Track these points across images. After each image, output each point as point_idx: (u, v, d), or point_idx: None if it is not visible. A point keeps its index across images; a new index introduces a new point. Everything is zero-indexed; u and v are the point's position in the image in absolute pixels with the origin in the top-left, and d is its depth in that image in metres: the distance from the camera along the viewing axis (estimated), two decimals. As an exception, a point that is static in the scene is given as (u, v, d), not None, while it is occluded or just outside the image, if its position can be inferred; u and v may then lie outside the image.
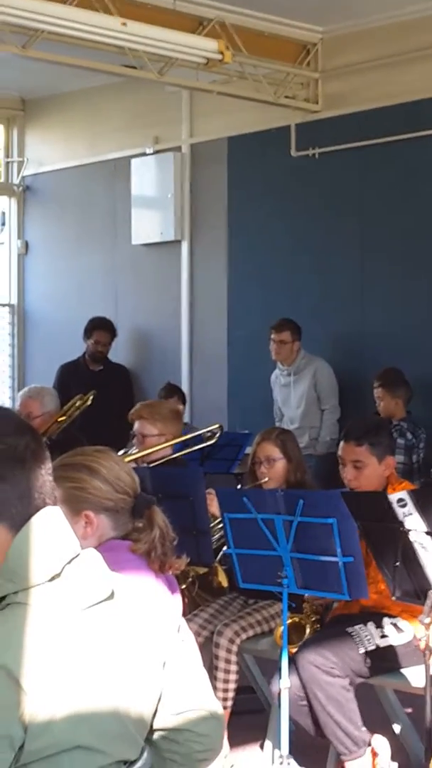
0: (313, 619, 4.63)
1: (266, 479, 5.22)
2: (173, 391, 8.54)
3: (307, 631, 4.54)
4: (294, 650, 4.34)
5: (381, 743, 4.42)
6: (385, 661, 4.44)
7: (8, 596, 2.01)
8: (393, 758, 4.38)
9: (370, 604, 4.51)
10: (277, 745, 4.33)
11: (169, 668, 2.23)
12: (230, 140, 9.17)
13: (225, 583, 5.02)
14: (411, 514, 3.92)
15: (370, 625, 4.45)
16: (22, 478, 2.05)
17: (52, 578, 2.02)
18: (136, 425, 5.50)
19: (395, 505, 3.92)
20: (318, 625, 4.62)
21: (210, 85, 8.35)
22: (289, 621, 4.37)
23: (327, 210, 8.54)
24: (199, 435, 5.78)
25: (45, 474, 2.08)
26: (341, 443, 4.81)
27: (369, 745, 4.37)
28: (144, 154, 9.67)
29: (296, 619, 4.54)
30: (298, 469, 5.31)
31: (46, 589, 2.01)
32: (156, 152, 9.61)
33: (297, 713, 4.35)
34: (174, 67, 7.69)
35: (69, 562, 2.05)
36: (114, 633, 2.10)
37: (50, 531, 2.05)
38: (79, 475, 3.24)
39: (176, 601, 3.41)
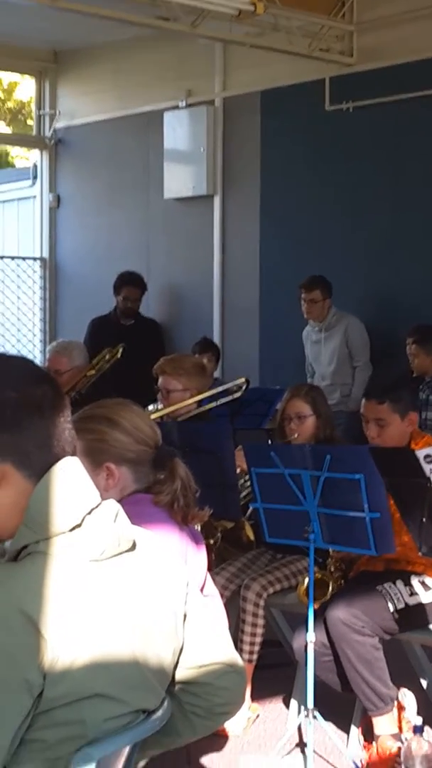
0: (337, 575, 4.63)
1: (296, 435, 5.20)
2: (208, 346, 8.53)
3: (330, 587, 4.54)
4: (317, 606, 4.33)
5: (407, 697, 4.43)
6: (413, 618, 4.43)
7: (30, 545, 2.02)
8: (419, 712, 4.39)
9: (395, 558, 4.49)
10: (302, 698, 4.34)
11: (190, 621, 2.24)
12: (263, 94, 9.10)
13: (252, 537, 5.02)
14: (438, 469, 3.89)
15: (399, 583, 4.44)
16: (41, 427, 2.05)
17: (73, 528, 2.02)
18: (160, 380, 5.46)
19: (422, 461, 3.89)
20: (341, 582, 4.62)
21: (243, 38, 8.27)
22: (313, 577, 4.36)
23: (361, 164, 8.47)
24: (227, 389, 5.75)
25: (64, 423, 2.09)
26: (363, 401, 4.77)
27: (395, 699, 4.38)
28: (177, 108, 9.62)
29: (319, 576, 4.54)
30: (327, 425, 5.29)
31: (67, 539, 2.02)
32: (189, 105, 9.56)
33: (321, 669, 4.36)
34: (207, 19, 7.61)
35: (89, 513, 2.05)
36: (134, 584, 2.11)
37: (71, 481, 2.06)
38: (100, 427, 3.24)
39: (201, 554, 3.42)
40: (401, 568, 4.53)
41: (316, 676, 4.27)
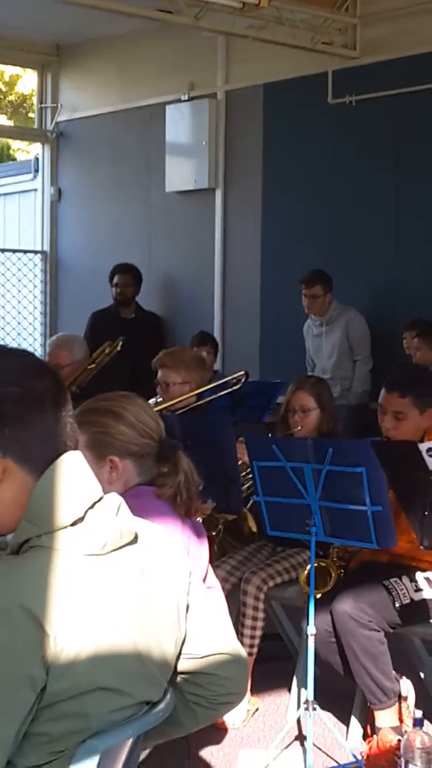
0: (339, 564, 4.63)
1: (299, 428, 5.19)
2: (206, 339, 8.54)
3: (332, 576, 4.54)
4: (319, 595, 4.34)
5: (408, 687, 4.44)
6: (416, 613, 4.44)
7: (32, 539, 2.02)
8: (418, 705, 4.40)
9: (400, 553, 4.50)
10: (303, 689, 4.35)
11: (193, 612, 2.24)
12: (266, 87, 9.09)
13: (254, 529, 5.02)
14: (441, 464, 3.89)
15: (405, 579, 4.44)
16: (43, 421, 2.04)
17: (75, 522, 2.02)
18: (159, 373, 5.48)
19: (425, 455, 3.90)
20: (342, 571, 4.62)
21: (246, 31, 8.26)
22: (315, 565, 4.37)
23: (363, 158, 8.46)
24: (226, 382, 5.76)
25: (66, 417, 2.08)
26: (383, 391, 4.70)
27: (398, 693, 4.39)
28: (179, 101, 9.61)
29: (322, 564, 4.55)
30: (331, 419, 5.28)
31: (69, 533, 2.01)
32: (191, 99, 9.54)
33: (326, 651, 4.37)
34: (210, 12, 7.60)
35: (92, 507, 2.05)
36: (137, 576, 2.11)
37: (73, 475, 2.05)
38: (104, 419, 3.24)
39: (203, 547, 3.42)
40: (406, 563, 4.53)
41: (316, 668, 4.28)
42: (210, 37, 9.03)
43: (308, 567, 4.46)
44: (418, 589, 4.43)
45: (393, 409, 4.62)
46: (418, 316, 7.68)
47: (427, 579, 4.49)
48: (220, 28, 8.23)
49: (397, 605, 4.35)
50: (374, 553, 4.58)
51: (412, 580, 4.45)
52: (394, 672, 4.43)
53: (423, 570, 4.50)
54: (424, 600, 4.44)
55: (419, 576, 4.47)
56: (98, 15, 8.16)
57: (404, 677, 4.45)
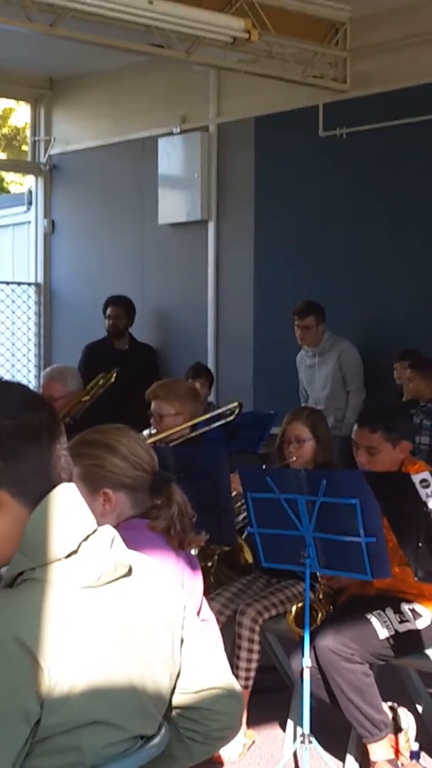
0: (325, 602, 4.61)
1: (294, 459, 5.19)
2: (201, 371, 8.55)
3: (319, 615, 4.52)
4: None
5: (408, 719, 4.41)
6: (408, 643, 4.42)
7: (26, 572, 2.01)
8: (415, 738, 4.38)
9: (385, 587, 4.49)
10: (298, 723, 4.33)
11: (187, 646, 2.23)
12: (257, 120, 9.14)
13: (251, 560, 5.01)
14: (434, 494, 3.89)
15: (389, 611, 4.43)
16: (38, 454, 2.04)
17: (69, 555, 2.02)
18: (153, 405, 5.49)
19: (418, 486, 3.90)
20: (331, 607, 4.60)
21: (237, 65, 8.33)
22: (300, 604, 4.36)
23: (354, 190, 8.51)
24: (220, 413, 5.76)
25: (60, 450, 2.08)
26: (355, 427, 4.77)
27: (394, 720, 4.36)
28: (171, 134, 9.66)
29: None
30: (326, 450, 5.28)
31: (63, 566, 2.01)
32: (183, 132, 9.59)
33: (313, 686, 4.35)
34: (201, 46, 7.66)
35: (85, 539, 2.05)
36: (131, 609, 2.10)
37: (67, 507, 2.05)
38: (98, 452, 3.24)
39: (197, 579, 3.42)
40: (392, 595, 4.52)
41: (312, 700, 4.26)
42: (201, 70, 9.10)
43: (294, 608, 4.46)
44: (403, 621, 4.42)
45: (365, 444, 4.66)
46: (409, 347, 7.70)
47: (412, 610, 4.47)
48: (211, 62, 8.29)
49: (381, 637, 4.34)
50: (362, 587, 4.58)
51: (397, 611, 4.44)
52: (391, 703, 4.41)
53: (409, 602, 4.49)
54: (416, 630, 4.43)
55: (404, 607, 4.46)
56: (91, 49, 8.22)
57: (403, 709, 4.43)
